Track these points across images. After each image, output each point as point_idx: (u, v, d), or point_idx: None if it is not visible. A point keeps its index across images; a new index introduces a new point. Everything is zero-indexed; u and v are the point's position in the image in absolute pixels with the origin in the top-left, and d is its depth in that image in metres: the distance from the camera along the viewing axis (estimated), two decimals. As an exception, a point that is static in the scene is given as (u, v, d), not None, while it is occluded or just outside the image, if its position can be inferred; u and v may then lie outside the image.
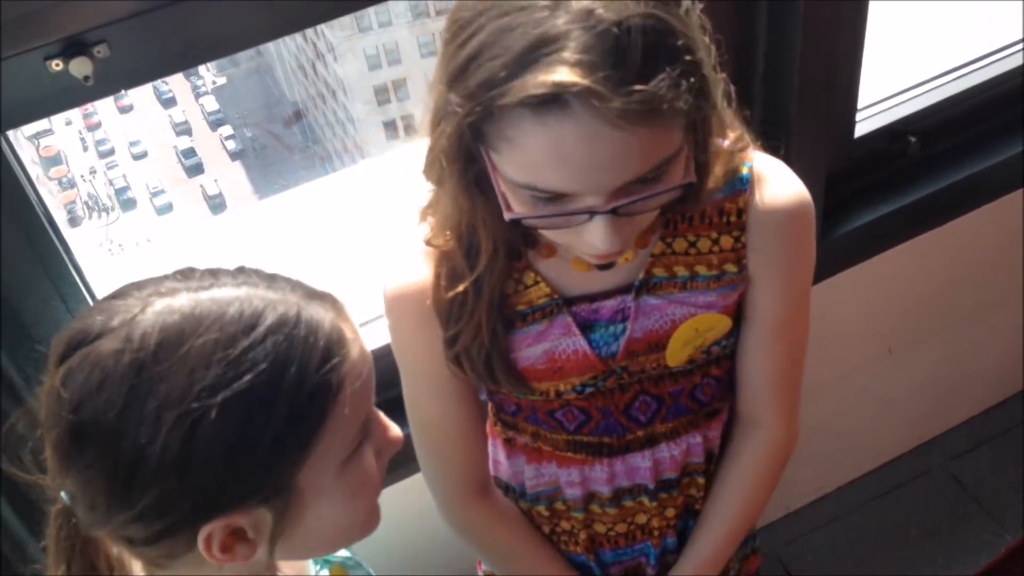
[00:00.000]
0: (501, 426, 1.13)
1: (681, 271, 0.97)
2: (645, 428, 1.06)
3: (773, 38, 1.34)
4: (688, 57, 0.77)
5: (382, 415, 0.80)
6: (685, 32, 0.78)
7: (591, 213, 0.82)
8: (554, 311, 0.98)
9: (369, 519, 0.80)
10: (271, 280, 0.73)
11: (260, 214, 2.06)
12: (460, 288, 0.95)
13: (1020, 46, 1.60)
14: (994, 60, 1.59)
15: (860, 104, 1.51)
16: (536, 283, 0.98)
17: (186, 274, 0.73)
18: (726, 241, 0.97)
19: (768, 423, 1.09)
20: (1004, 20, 1.66)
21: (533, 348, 0.99)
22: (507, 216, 0.85)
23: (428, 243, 0.96)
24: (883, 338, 1.83)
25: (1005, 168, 1.61)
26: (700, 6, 0.83)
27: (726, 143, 0.93)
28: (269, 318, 0.70)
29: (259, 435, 0.68)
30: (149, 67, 0.97)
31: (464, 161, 0.85)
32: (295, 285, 0.74)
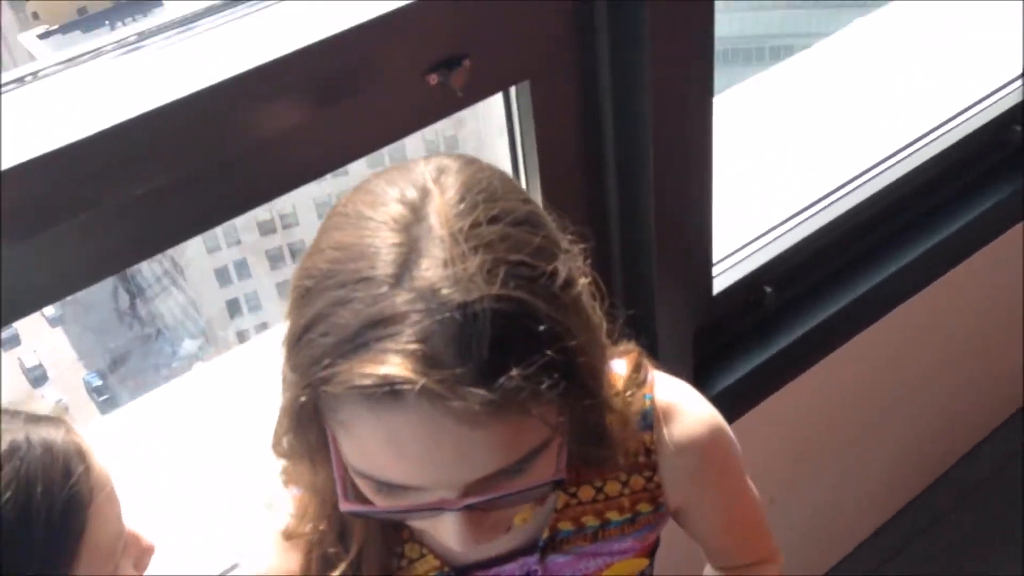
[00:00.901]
0: None
1: (590, 521, 0.87)
2: None
3: (626, 215, 1.30)
4: (553, 347, 0.66)
5: (131, 526, 0.80)
6: (553, 314, 0.67)
7: (441, 509, 0.70)
8: None
9: None
10: None
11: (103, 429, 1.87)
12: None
13: (855, 185, 1.62)
14: (832, 201, 1.61)
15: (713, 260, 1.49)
16: (422, 556, 0.86)
17: None
18: (636, 481, 0.88)
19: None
20: (833, 163, 1.69)
21: None
22: (342, 507, 0.73)
23: (290, 536, 0.82)
24: (765, 488, 1.78)
25: (858, 306, 1.62)
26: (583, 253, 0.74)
27: (618, 365, 0.84)
28: None
29: (20, 563, 0.68)
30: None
31: (308, 438, 0.73)
32: (14, 413, 0.74)
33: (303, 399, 0.68)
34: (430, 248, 0.66)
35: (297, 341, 0.69)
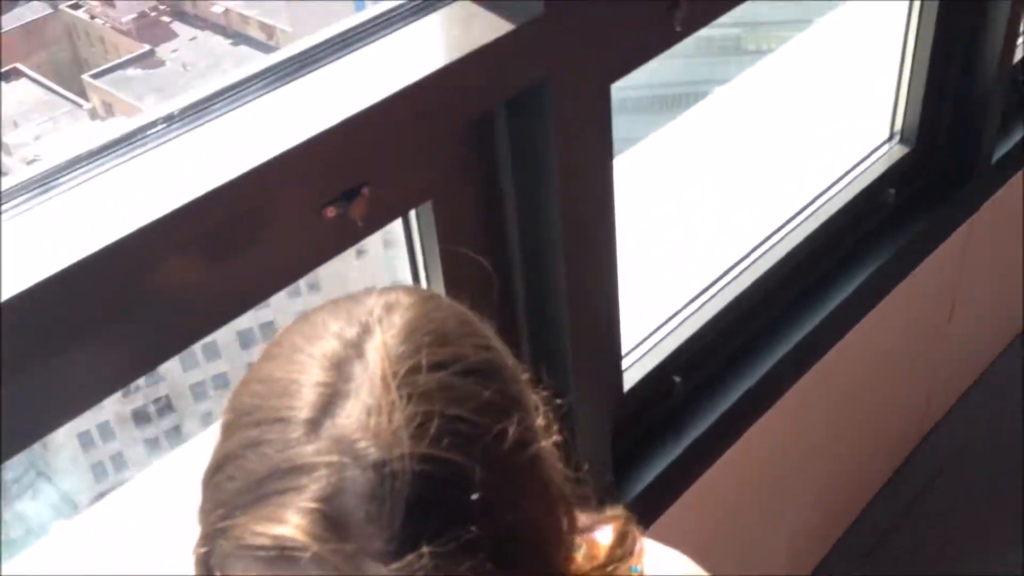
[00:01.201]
0: None
1: None
2: None
3: (535, 325, 1.24)
4: (483, 522, 0.56)
5: None
6: (491, 482, 0.57)
7: None
8: None
9: None
10: None
11: None
12: None
13: (745, 266, 1.61)
14: (727, 283, 1.59)
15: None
16: None
17: None
18: None
19: None
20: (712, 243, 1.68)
21: None
22: None
23: None
24: None
25: (765, 382, 1.60)
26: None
27: (603, 534, 0.75)
28: None
29: None
30: None
31: None
32: None
33: (204, 550, 0.60)
34: (359, 392, 0.58)
35: (209, 480, 0.61)
